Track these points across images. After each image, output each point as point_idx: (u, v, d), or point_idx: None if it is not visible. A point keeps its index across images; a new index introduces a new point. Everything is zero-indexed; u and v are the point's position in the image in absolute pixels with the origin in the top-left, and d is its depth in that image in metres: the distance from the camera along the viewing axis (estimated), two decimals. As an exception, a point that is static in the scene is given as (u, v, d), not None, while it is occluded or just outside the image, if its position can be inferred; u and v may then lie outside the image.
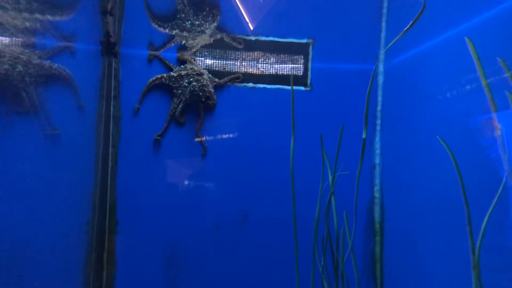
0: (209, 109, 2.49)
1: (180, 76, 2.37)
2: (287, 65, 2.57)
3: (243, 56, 2.55)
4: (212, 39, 2.45)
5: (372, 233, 2.45)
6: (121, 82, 2.40)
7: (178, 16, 2.42)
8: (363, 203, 2.47)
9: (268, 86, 2.55)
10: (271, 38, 2.55)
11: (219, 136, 2.51)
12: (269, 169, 2.50)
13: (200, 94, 2.35)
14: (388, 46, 2.44)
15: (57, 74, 2.28)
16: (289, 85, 2.53)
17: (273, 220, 2.48)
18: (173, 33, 2.43)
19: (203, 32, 2.36)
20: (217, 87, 2.49)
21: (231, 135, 2.51)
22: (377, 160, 2.49)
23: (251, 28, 2.53)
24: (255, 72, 2.56)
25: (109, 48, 2.26)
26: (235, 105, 2.52)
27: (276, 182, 2.48)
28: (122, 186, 2.42)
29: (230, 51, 2.54)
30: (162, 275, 2.42)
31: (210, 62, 2.53)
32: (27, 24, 2.21)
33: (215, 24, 2.44)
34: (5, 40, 2.21)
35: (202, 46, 2.50)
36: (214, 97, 2.44)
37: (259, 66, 2.56)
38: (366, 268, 2.46)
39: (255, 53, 2.55)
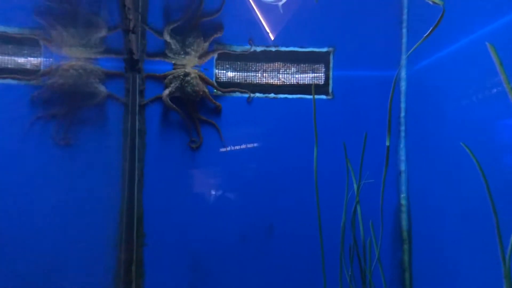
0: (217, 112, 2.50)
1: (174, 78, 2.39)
2: (308, 75, 2.57)
3: (264, 68, 2.56)
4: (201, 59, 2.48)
5: (400, 242, 2.42)
6: (145, 97, 2.45)
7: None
8: (389, 211, 2.44)
9: (290, 96, 2.56)
10: (291, 48, 2.56)
11: (243, 147, 2.52)
12: (293, 180, 2.50)
13: (193, 94, 2.37)
14: (409, 52, 2.42)
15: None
16: (310, 94, 2.53)
17: (298, 230, 2.47)
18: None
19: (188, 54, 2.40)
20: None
21: (254, 146, 2.52)
22: (403, 167, 2.46)
23: (272, 39, 2.55)
24: (276, 83, 2.57)
25: (132, 65, 2.31)
26: (257, 116, 2.53)
27: (301, 192, 2.47)
28: (149, 199, 2.46)
29: (251, 63, 2.56)
30: (189, 286, 2.43)
31: (231, 75, 2.56)
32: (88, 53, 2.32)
33: (207, 44, 2.46)
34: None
35: (222, 59, 2.54)
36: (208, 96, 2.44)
37: (280, 76, 2.57)
38: (394, 277, 2.42)
39: (276, 64, 2.57)
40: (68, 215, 2.33)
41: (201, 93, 2.41)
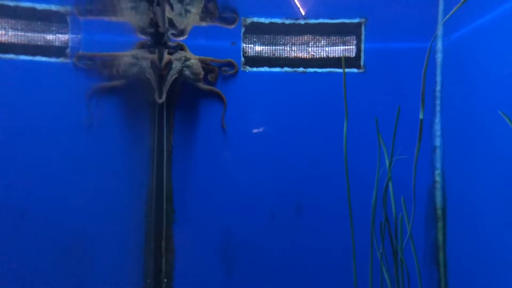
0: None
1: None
2: (339, 47, 2.49)
3: (293, 41, 2.49)
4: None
5: (434, 220, 2.33)
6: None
7: None
8: (423, 188, 2.35)
9: (319, 70, 2.48)
10: (321, 20, 2.47)
11: (272, 123, 2.48)
12: (322, 155, 2.45)
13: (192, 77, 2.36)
14: (445, 19, 2.29)
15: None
16: (341, 68, 2.44)
17: (328, 208, 2.43)
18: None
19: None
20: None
21: (283, 121, 2.47)
22: (438, 142, 2.36)
23: (303, 13, 2.47)
24: (305, 57, 2.49)
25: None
26: (286, 91, 2.48)
27: (330, 169, 2.42)
28: (178, 176, 2.47)
29: (279, 36, 2.49)
30: (220, 263, 2.45)
31: (259, 49, 2.50)
32: None
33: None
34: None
35: (249, 33, 2.48)
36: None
37: (309, 50, 2.49)
38: (427, 256, 2.35)
39: (305, 37, 2.49)
40: (98, 192, 2.36)
41: (200, 76, 2.39)
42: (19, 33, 2.28)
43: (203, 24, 2.43)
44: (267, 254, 2.45)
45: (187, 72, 2.32)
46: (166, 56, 2.28)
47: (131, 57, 2.27)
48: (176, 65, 2.30)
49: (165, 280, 2.41)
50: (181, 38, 2.43)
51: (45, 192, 2.30)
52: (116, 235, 2.36)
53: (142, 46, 2.35)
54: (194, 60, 2.34)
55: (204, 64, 2.42)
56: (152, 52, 2.29)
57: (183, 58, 2.33)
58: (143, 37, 2.37)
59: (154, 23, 2.21)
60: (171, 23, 2.36)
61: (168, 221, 2.44)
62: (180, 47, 2.41)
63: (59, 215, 2.31)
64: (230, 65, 2.46)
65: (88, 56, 2.33)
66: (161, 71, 2.25)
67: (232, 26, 2.45)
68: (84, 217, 2.34)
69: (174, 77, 2.30)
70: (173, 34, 2.40)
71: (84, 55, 2.33)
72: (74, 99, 2.34)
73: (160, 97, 2.25)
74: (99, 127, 2.36)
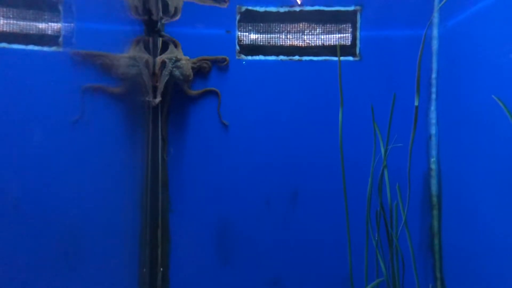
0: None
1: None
2: (334, 35, 2.47)
3: (288, 29, 2.47)
4: None
5: (429, 207, 2.34)
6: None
7: None
8: (418, 176, 2.36)
9: (315, 58, 2.47)
10: (316, 8, 2.45)
11: (267, 111, 2.47)
12: (318, 144, 2.44)
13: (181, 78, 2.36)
14: (441, 4, 2.28)
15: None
16: (336, 56, 2.43)
17: (323, 195, 2.43)
18: None
19: None
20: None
21: (278, 110, 2.46)
22: (433, 130, 2.36)
23: (298, 1, 2.45)
24: (300, 45, 2.48)
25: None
26: (281, 79, 2.47)
27: (326, 157, 2.42)
28: (173, 165, 2.46)
29: (274, 24, 2.47)
30: (215, 251, 2.45)
31: (254, 37, 2.48)
32: None
33: None
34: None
35: (244, 21, 2.46)
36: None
37: (305, 38, 2.48)
38: (423, 243, 2.36)
39: (300, 25, 2.47)
40: (92, 181, 2.34)
41: (190, 78, 2.38)
42: (11, 22, 2.24)
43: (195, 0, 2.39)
44: (262, 242, 2.45)
45: (176, 73, 2.32)
46: (160, 57, 2.27)
47: (129, 58, 2.26)
48: (168, 65, 2.29)
49: (161, 269, 2.42)
50: (175, 19, 2.39)
51: (39, 182, 2.29)
52: (111, 225, 2.36)
53: (138, 42, 2.33)
54: (184, 61, 2.34)
55: (196, 65, 2.41)
56: (146, 48, 2.27)
57: (174, 58, 2.32)
58: (137, 17, 2.33)
59: (147, 10, 2.19)
60: (165, 8, 2.33)
61: (164, 210, 2.44)
62: (173, 42, 2.39)
63: (53, 206, 2.29)
64: (223, 60, 2.46)
65: (84, 54, 2.31)
66: (155, 71, 2.25)
67: (224, 5, 2.41)
68: (79, 208, 2.32)
69: (166, 78, 2.31)
70: (166, 20, 2.37)
71: (80, 53, 2.30)
72: (68, 89, 2.31)
73: (155, 97, 2.25)
74: (93, 117, 2.34)
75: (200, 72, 2.45)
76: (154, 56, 2.32)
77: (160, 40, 2.31)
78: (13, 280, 2.14)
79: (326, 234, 2.42)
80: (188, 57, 2.38)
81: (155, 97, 2.24)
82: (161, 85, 2.28)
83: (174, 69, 2.31)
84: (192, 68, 2.37)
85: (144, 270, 2.38)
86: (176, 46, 2.38)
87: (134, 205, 2.39)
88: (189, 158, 2.47)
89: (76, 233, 2.29)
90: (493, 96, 1.38)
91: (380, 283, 2.04)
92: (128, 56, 2.26)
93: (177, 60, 2.32)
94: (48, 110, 2.28)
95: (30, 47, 2.28)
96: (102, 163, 2.35)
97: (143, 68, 2.23)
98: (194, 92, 2.44)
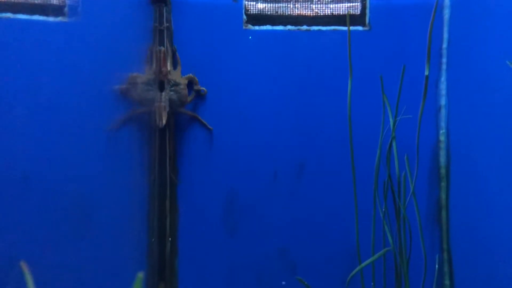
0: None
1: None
2: (343, 4, 2.42)
3: (296, -2, 2.42)
4: None
5: (437, 178, 2.33)
6: (174, 31, 2.39)
7: None
8: (427, 148, 2.34)
9: (324, 28, 2.42)
10: (325, -24, 2.40)
11: (274, 83, 2.45)
12: (326, 115, 2.42)
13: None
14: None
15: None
16: (346, 25, 2.39)
17: (331, 167, 2.43)
18: None
19: None
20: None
21: (286, 81, 2.44)
22: (443, 101, 2.32)
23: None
24: (309, 14, 2.43)
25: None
26: (290, 50, 2.43)
27: (334, 128, 2.40)
28: (181, 137, 2.46)
29: (282, -7, 2.43)
30: (223, 222, 2.47)
31: (261, 6, 2.43)
32: None
33: None
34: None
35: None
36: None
37: (313, 7, 2.42)
38: (430, 215, 2.36)
39: (309, -7, 2.42)
40: (101, 155, 2.35)
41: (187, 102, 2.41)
42: (16, -9, 2.22)
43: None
44: (269, 214, 2.46)
45: (174, 97, 2.31)
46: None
47: (147, 83, 2.28)
48: (166, 89, 2.30)
49: (170, 239, 2.45)
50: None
51: (48, 155, 2.30)
52: (120, 196, 2.38)
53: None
54: (182, 85, 2.34)
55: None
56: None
57: (172, 81, 2.30)
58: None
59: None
60: None
61: (171, 181, 2.45)
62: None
63: (62, 178, 2.31)
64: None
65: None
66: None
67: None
68: (87, 179, 2.34)
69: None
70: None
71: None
72: (73, 60, 2.30)
73: (162, 120, 2.29)
74: (101, 88, 2.33)
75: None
76: (161, 24, 2.29)
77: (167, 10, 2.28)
78: (23, 249, 2.18)
79: (333, 205, 2.43)
80: (186, 80, 2.37)
81: (162, 120, 2.31)
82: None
83: (172, 93, 2.30)
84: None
85: (153, 240, 2.41)
86: (177, 61, 2.38)
87: (142, 177, 2.40)
88: (197, 129, 2.46)
89: (84, 204, 2.32)
90: (507, 61, 1.35)
91: (386, 253, 2.06)
92: (146, 78, 2.29)
93: (176, 84, 2.31)
94: (54, 80, 2.28)
95: (35, 17, 2.26)
96: (109, 135, 2.35)
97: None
98: (189, 113, 2.43)
